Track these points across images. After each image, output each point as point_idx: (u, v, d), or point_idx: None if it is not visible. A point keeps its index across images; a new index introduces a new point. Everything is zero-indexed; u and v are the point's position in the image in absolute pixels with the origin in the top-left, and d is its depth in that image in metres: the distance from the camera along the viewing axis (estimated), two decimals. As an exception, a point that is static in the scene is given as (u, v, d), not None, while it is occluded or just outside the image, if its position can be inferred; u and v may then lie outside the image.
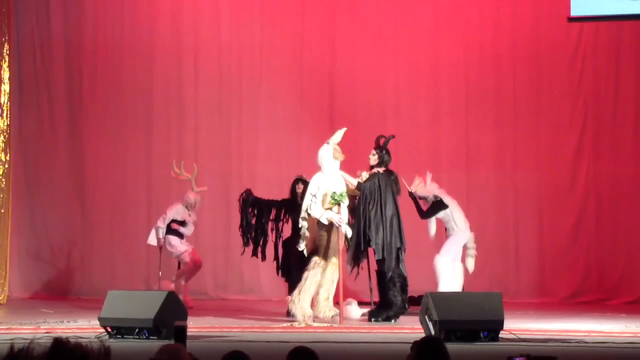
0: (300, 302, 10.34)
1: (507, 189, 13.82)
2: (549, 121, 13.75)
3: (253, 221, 11.43)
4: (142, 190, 14.09)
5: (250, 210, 11.43)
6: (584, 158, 13.71)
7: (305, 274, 10.37)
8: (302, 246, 10.47)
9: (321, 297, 10.47)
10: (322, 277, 10.42)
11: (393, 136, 11.11)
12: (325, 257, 10.41)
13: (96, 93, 14.24)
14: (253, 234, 11.42)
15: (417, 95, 13.94)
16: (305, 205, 10.42)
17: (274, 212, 11.54)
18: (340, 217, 10.33)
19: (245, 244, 11.44)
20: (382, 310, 10.86)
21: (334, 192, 10.32)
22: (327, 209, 10.34)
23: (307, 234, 10.43)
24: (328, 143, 10.60)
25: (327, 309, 10.43)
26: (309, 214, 10.40)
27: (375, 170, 10.88)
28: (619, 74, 13.61)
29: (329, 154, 10.52)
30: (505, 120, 13.83)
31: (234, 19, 14.21)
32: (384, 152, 10.95)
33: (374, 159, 10.97)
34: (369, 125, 13.92)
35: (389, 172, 10.94)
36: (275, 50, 14.10)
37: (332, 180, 10.43)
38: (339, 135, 10.63)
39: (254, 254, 11.49)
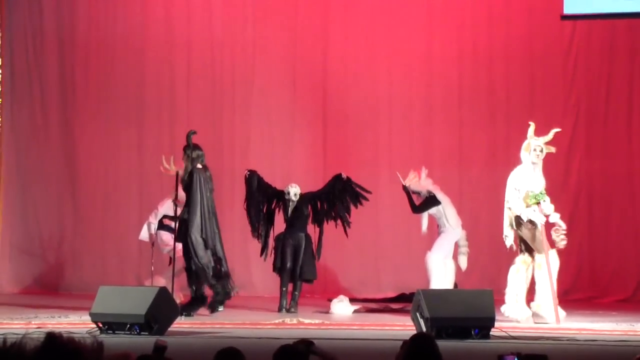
0: (518, 303, 10.39)
1: (500, 187, 13.76)
2: (542, 119, 13.73)
3: (263, 209, 11.48)
4: (134, 185, 14.08)
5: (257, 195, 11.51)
6: (576, 156, 13.74)
7: (511, 276, 10.43)
8: (509, 241, 10.45)
9: (542, 295, 10.42)
10: (537, 272, 10.42)
11: (194, 132, 11.10)
12: (532, 254, 10.43)
13: (88, 87, 14.23)
14: (260, 227, 11.52)
15: (410, 92, 13.95)
16: (507, 197, 10.51)
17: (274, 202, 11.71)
18: (542, 217, 10.39)
19: (255, 233, 11.51)
20: (195, 305, 10.96)
21: (533, 191, 10.39)
22: (527, 206, 10.42)
23: (512, 227, 10.47)
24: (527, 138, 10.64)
25: (549, 308, 10.40)
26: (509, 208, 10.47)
27: (195, 166, 10.93)
28: (612, 72, 13.64)
29: (523, 148, 10.65)
30: (498, 118, 13.85)
31: (227, 14, 14.19)
32: (190, 150, 11.02)
33: (185, 160, 11.04)
34: (362, 122, 13.96)
35: (204, 169, 11.05)
36: (268, 46, 14.09)
37: (528, 174, 10.51)
38: (531, 131, 10.65)
39: (262, 253, 11.59)
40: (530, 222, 10.39)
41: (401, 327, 9.66)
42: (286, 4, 14.11)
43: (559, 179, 13.69)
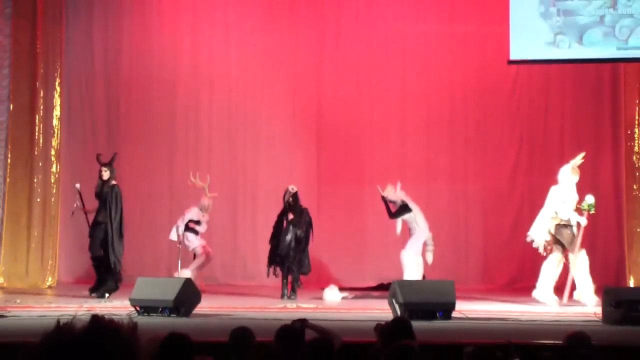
0: (544, 289, 10.44)
1: (459, 198, 13.84)
2: (492, 144, 13.80)
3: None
4: (165, 196, 14.05)
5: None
6: (520, 172, 13.76)
7: (545, 267, 10.54)
8: (539, 245, 10.59)
9: (581, 286, 10.39)
10: (574, 268, 10.39)
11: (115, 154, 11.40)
12: (572, 251, 10.40)
13: (130, 118, 14.21)
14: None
15: (388, 122, 13.96)
16: (555, 209, 10.57)
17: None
18: (585, 221, 10.43)
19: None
20: (101, 287, 11.10)
21: (586, 203, 10.43)
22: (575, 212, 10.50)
23: (550, 232, 10.56)
24: (569, 163, 10.73)
25: (589, 295, 10.34)
26: (556, 214, 10.56)
27: (112, 183, 11.12)
28: (548, 104, 13.69)
29: (567, 171, 10.66)
30: (457, 143, 13.86)
31: (241, 60, 14.20)
32: (113, 167, 11.23)
33: (107, 174, 11.20)
34: (349, 146, 13.96)
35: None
36: (274, 86, 14.11)
37: (567, 191, 10.57)
38: (578, 158, 10.80)
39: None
40: (578, 225, 10.45)
41: (380, 310, 9.63)
42: (287, 53, 14.12)
43: (506, 191, 13.72)
